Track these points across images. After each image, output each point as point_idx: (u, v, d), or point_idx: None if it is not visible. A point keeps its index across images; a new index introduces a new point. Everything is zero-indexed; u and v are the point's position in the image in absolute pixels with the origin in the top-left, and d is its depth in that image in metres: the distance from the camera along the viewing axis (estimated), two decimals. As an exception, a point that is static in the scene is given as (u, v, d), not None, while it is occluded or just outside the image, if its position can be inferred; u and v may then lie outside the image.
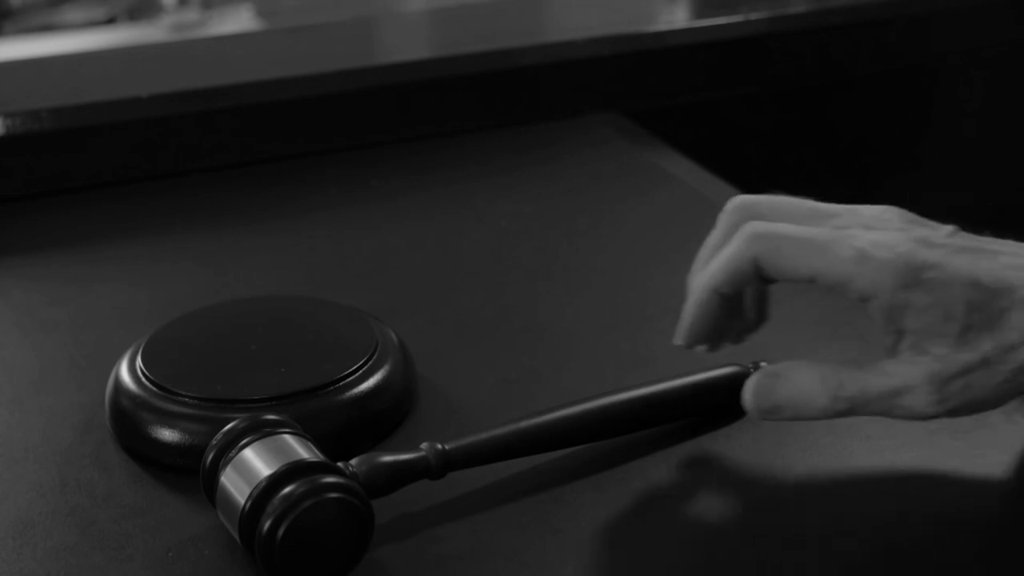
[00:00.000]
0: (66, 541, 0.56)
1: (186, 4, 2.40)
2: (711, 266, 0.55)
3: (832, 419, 0.55)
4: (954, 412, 0.53)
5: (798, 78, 1.21)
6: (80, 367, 0.71)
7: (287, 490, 0.51)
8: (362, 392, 0.62)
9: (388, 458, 0.56)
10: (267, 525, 0.50)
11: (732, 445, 0.61)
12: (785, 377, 0.54)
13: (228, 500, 0.53)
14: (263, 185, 0.99)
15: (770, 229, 0.53)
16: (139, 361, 0.64)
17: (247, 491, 0.52)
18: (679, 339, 0.58)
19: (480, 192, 0.96)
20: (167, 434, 0.60)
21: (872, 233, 0.53)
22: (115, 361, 0.66)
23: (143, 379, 0.63)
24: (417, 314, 0.76)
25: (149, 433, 0.61)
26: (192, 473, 0.57)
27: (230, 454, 0.54)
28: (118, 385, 0.64)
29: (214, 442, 0.55)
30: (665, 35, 1.15)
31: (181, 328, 0.68)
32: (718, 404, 0.62)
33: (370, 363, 0.64)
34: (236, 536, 0.53)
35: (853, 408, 0.53)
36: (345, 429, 0.62)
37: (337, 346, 0.66)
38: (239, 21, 2.31)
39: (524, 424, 0.59)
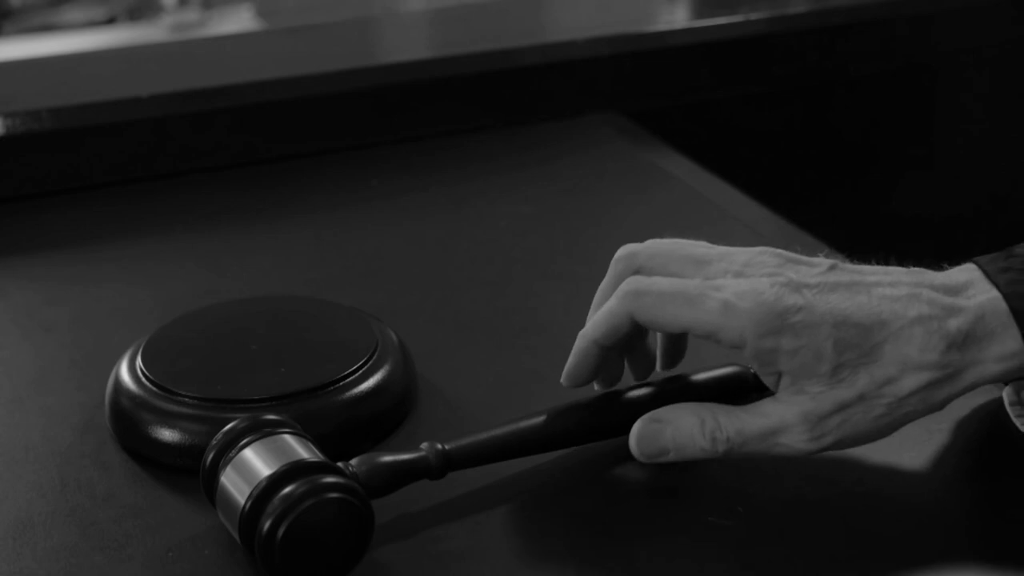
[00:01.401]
0: (66, 541, 0.56)
1: (186, 4, 2.40)
2: (594, 318, 0.58)
3: (721, 459, 0.57)
4: (833, 447, 0.55)
5: (798, 78, 1.21)
6: (80, 367, 0.71)
7: (287, 490, 0.51)
8: (362, 392, 0.62)
9: (388, 458, 0.56)
10: (267, 525, 0.50)
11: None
12: (667, 422, 0.57)
13: (228, 500, 0.53)
14: (263, 185, 0.99)
15: (643, 286, 0.56)
16: (139, 361, 0.64)
17: (247, 491, 0.52)
18: (564, 380, 0.60)
19: (480, 192, 0.96)
20: (167, 434, 0.60)
21: (740, 282, 0.55)
22: (115, 361, 0.66)
23: (143, 379, 0.63)
24: (417, 314, 0.76)
25: (149, 433, 0.61)
26: (192, 473, 0.57)
27: (230, 454, 0.54)
28: (118, 385, 0.64)
29: (214, 442, 0.55)
30: (665, 35, 1.15)
31: (181, 328, 0.68)
32: (716, 401, 0.62)
33: (370, 363, 0.64)
34: (236, 536, 0.53)
35: (732, 448, 0.56)
36: (345, 429, 0.62)
37: (337, 346, 0.66)
38: (239, 21, 2.31)
39: (524, 424, 0.59)
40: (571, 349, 0.59)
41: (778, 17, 1.19)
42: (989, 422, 0.62)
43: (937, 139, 1.31)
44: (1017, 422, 0.61)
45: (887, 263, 0.59)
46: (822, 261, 0.57)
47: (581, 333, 0.59)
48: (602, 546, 0.55)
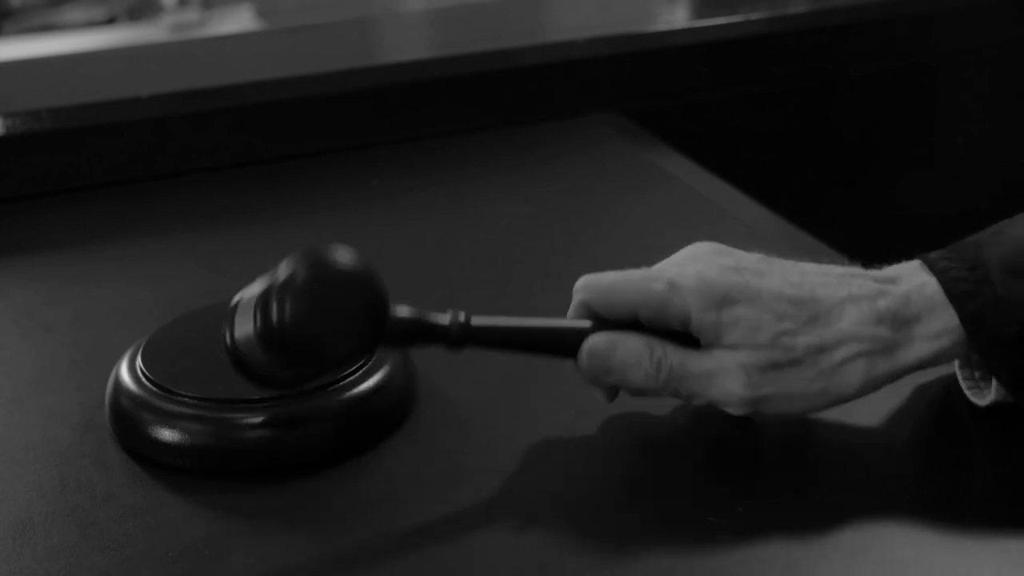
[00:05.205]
0: (66, 541, 0.56)
1: (186, 4, 2.40)
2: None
3: (655, 396, 0.60)
4: (767, 402, 0.58)
5: (798, 78, 1.21)
6: (80, 367, 0.71)
7: (300, 274, 0.52)
8: (362, 392, 0.62)
9: (412, 312, 0.57)
10: (282, 299, 0.52)
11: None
12: (619, 344, 0.60)
13: (244, 310, 0.54)
14: (263, 185, 0.99)
15: (593, 278, 0.61)
16: (139, 361, 0.64)
17: (260, 289, 0.53)
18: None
19: (480, 192, 0.96)
20: (167, 434, 0.60)
21: (684, 267, 0.59)
22: (115, 361, 0.66)
23: (143, 379, 0.63)
24: (417, 314, 0.75)
25: (149, 433, 0.61)
26: (192, 473, 0.57)
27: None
28: (118, 385, 0.64)
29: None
30: (665, 35, 1.15)
31: (181, 328, 0.68)
32: None
33: (370, 363, 0.64)
34: (253, 334, 0.53)
35: (672, 380, 0.59)
36: (345, 429, 0.62)
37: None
38: (239, 21, 2.31)
39: (547, 323, 0.61)
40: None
41: (778, 17, 1.19)
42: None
43: (937, 139, 1.31)
44: (968, 393, 0.64)
45: (886, 264, 0.60)
46: (753, 254, 0.61)
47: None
48: (602, 546, 0.55)
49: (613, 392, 0.63)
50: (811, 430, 0.62)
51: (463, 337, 0.59)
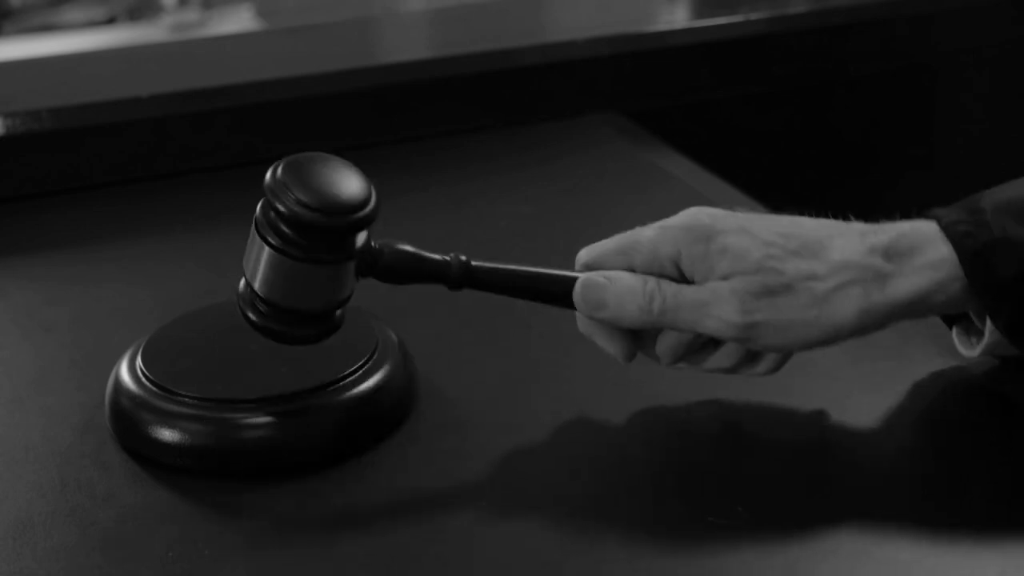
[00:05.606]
0: (66, 541, 0.56)
1: (186, 4, 2.40)
2: None
3: (650, 328, 0.61)
4: (762, 329, 0.58)
5: (798, 78, 1.21)
6: (80, 367, 0.71)
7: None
8: (362, 392, 0.62)
9: (414, 250, 0.60)
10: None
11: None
12: (614, 279, 0.61)
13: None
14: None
15: (593, 244, 0.63)
16: (139, 361, 0.64)
17: None
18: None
19: (480, 192, 0.96)
20: (167, 434, 0.60)
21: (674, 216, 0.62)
22: (115, 361, 0.66)
23: (143, 379, 0.63)
24: (417, 314, 0.75)
25: (149, 433, 0.61)
26: (192, 473, 0.57)
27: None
28: (118, 385, 0.64)
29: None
30: (665, 35, 1.15)
31: (181, 328, 0.68)
32: None
33: (370, 363, 0.64)
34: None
35: (665, 311, 0.59)
36: (345, 429, 0.62)
37: (337, 346, 0.66)
38: (239, 21, 2.30)
39: (549, 272, 0.62)
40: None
41: (778, 17, 1.19)
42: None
43: (937, 139, 1.31)
44: (961, 349, 0.65)
45: None
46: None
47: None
48: (602, 545, 0.55)
49: (627, 347, 0.63)
50: (811, 431, 0.62)
51: (463, 275, 0.60)
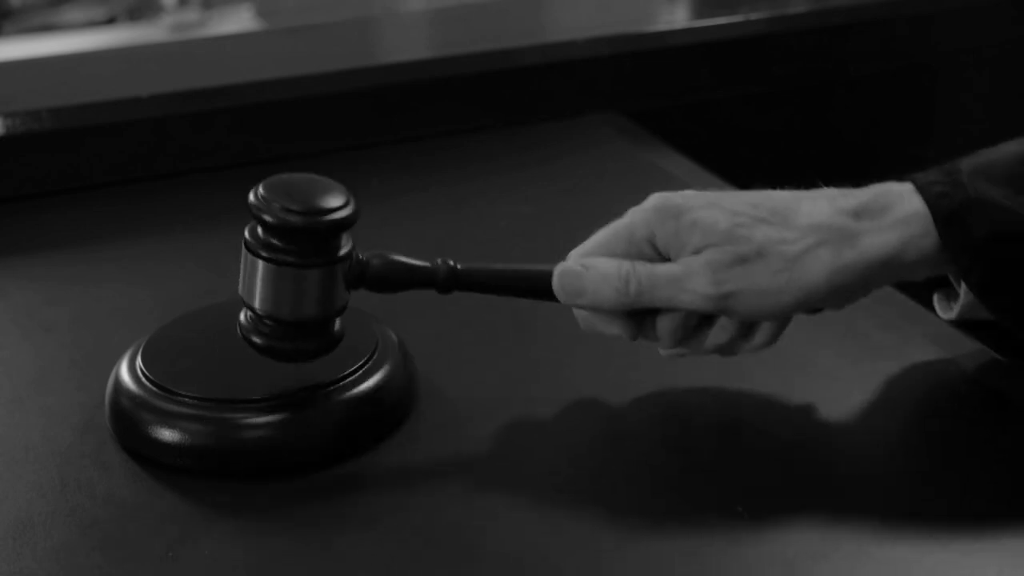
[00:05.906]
0: (66, 541, 0.56)
1: (186, 4, 2.40)
2: None
3: (627, 311, 0.61)
4: (736, 297, 0.59)
5: (798, 78, 1.21)
6: (80, 367, 0.71)
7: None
8: (362, 392, 0.62)
9: (402, 258, 0.61)
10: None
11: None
12: (590, 267, 0.62)
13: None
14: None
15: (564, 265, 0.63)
16: (139, 361, 0.64)
17: None
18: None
19: (480, 192, 0.96)
20: (167, 434, 0.60)
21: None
22: (115, 361, 0.66)
23: (143, 379, 0.63)
24: (417, 314, 0.75)
25: (149, 433, 0.61)
26: (192, 473, 0.57)
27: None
28: (118, 385, 0.64)
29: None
30: (665, 35, 1.15)
31: (181, 328, 0.68)
32: None
33: (370, 363, 0.64)
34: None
35: (642, 291, 0.60)
36: (345, 429, 0.62)
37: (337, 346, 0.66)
38: (239, 21, 2.30)
39: (533, 268, 0.63)
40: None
41: (778, 17, 1.19)
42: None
43: (937, 139, 1.31)
44: (941, 312, 0.67)
45: None
46: None
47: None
48: (602, 545, 0.55)
49: (628, 327, 0.63)
50: (811, 430, 0.62)
51: (450, 279, 0.62)
